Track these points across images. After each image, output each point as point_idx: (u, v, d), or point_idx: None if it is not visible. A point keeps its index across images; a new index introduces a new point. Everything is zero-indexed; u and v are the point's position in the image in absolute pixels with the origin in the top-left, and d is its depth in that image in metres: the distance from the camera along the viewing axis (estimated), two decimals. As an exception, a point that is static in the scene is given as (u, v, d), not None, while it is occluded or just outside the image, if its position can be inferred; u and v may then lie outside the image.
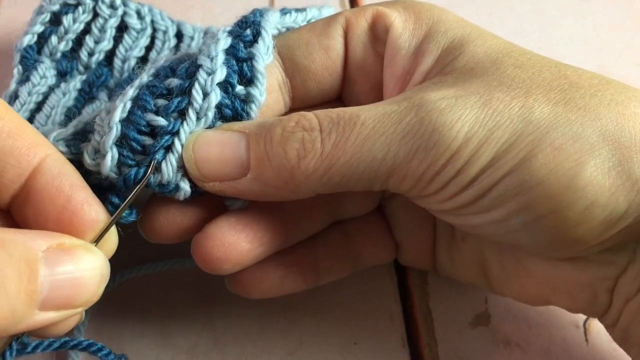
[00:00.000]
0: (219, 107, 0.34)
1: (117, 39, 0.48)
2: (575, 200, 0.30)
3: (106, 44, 0.48)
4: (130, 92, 0.34)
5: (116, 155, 0.33)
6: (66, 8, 0.48)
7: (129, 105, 0.34)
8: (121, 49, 0.48)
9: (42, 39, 0.47)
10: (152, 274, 0.43)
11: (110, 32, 0.48)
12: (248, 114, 0.35)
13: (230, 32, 0.36)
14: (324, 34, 0.37)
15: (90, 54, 0.47)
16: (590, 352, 0.41)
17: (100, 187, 0.34)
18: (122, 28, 0.48)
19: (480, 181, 0.31)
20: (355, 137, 0.31)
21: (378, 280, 0.44)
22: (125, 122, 0.33)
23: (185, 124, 0.33)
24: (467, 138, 0.30)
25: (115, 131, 0.33)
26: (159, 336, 0.41)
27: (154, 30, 0.49)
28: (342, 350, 0.41)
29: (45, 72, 0.46)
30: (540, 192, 0.30)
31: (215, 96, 0.34)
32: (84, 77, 0.47)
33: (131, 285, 0.42)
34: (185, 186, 0.34)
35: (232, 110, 0.34)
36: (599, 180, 0.30)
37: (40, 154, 0.31)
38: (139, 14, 0.49)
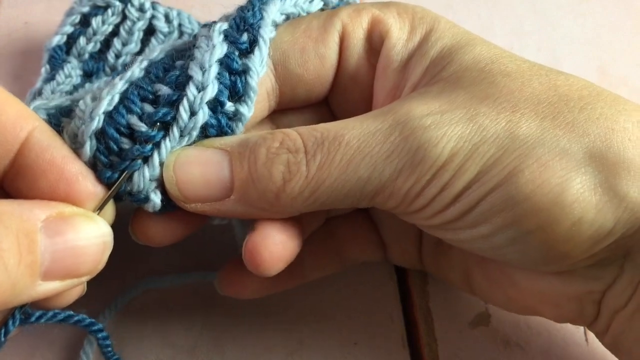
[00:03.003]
0: (204, 126, 0.33)
1: (145, 42, 0.49)
2: (562, 216, 0.30)
3: (133, 47, 0.48)
4: (120, 85, 0.33)
5: (94, 147, 0.32)
6: (95, 10, 0.48)
7: (116, 99, 0.33)
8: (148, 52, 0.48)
9: (71, 39, 0.48)
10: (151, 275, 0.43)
11: (138, 35, 0.48)
12: (233, 131, 0.34)
13: (226, 36, 0.34)
14: (320, 41, 0.36)
15: (117, 56, 0.48)
16: (590, 352, 0.41)
17: None
18: (150, 31, 0.49)
19: (466, 196, 0.31)
20: (340, 158, 0.31)
21: (378, 280, 0.44)
22: (107, 116, 0.32)
23: (167, 139, 0.32)
24: (453, 153, 0.30)
25: (97, 122, 0.32)
26: (159, 336, 0.41)
27: (181, 33, 0.50)
28: (342, 350, 0.41)
29: (71, 72, 0.47)
30: (526, 208, 0.30)
31: (203, 116, 0.32)
32: (110, 78, 0.47)
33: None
34: (156, 199, 0.32)
35: (218, 130, 0.33)
36: (585, 197, 0.30)
37: (27, 127, 0.30)
38: (167, 18, 0.49)
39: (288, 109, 0.38)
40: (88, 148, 0.32)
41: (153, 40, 0.48)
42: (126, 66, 0.42)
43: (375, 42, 0.36)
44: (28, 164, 0.30)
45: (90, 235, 0.30)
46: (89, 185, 0.31)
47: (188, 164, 0.32)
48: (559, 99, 0.32)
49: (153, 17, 0.49)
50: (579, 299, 0.34)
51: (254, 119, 0.36)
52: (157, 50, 0.36)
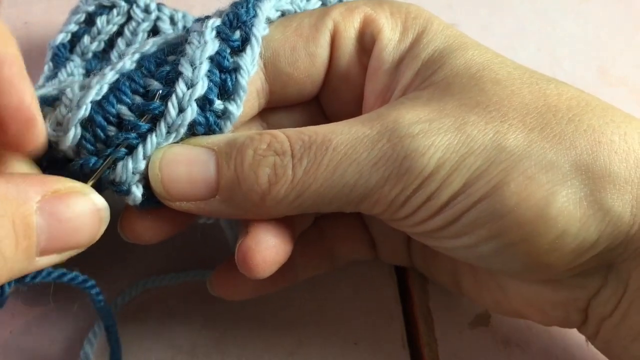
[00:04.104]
0: (192, 124, 0.33)
1: None
2: (546, 229, 0.30)
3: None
4: (110, 75, 0.33)
5: (79, 135, 0.32)
6: (101, 9, 0.48)
7: (105, 88, 0.32)
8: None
9: (75, 38, 0.48)
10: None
11: (142, 36, 0.48)
12: (221, 130, 0.33)
13: (218, 32, 0.34)
14: (311, 40, 0.35)
15: (121, 56, 0.48)
16: (590, 352, 0.41)
17: (54, 158, 0.33)
18: (155, 32, 0.49)
19: (451, 207, 0.31)
20: (326, 164, 0.31)
21: (378, 280, 0.44)
22: (95, 105, 0.32)
23: (154, 134, 0.32)
24: (439, 164, 0.30)
25: (84, 111, 0.32)
26: (159, 336, 0.41)
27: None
28: (342, 350, 0.41)
29: (74, 70, 0.47)
30: (510, 221, 0.30)
31: (191, 113, 0.32)
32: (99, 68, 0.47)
33: (131, 285, 0.42)
34: (137, 192, 0.32)
35: (205, 128, 0.33)
36: (570, 210, 0.30)
37: None
38: (172, 20, 0.49)
39: (278, 107, 0.38)
40: (71, 135, 0.32)
41: None
42: (119, 57, 0.42)
43: (366, 43, 0.36)
44: None
45: (86, 211, 0.30)
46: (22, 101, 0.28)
47: (174, 162, 0.32)
48: (547, 109, 0.31)
49: (158, 18, 0.49)
50: (564, 306, 0.34)
51: (243, 117, 0.35)
52: (149, 43, 0.35)
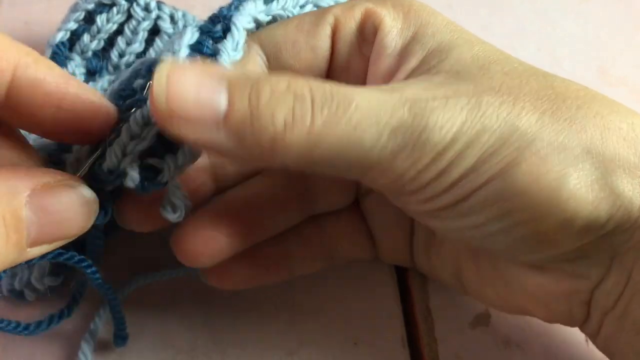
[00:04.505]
0: None
1: (149, 42, 0.48)
2: (556, 211, 0.30)
3: (137, 46, 0.48)
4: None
5: None
6: (101, 8, 0.48)
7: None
8: (152, 52, 0.48)
9: (75, 36, 0.48)
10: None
11: (143, 35, 0.48)
12: None
13: (200, 28, 0.34)
14: (312, 34, 0.36)
15: (121, 55, 0.48)
16: (590, 352, 0.41)
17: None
18: (155, 31, 0.49)
19: (462, 185, 0.31)
20: (347, 120, 0.29)
21: (378, 280, 0.44)
22: None
23: (137, 114, 0.32)
24: (454, 139, 0.30)
25: None
26: (159, 336, 0.41)
27: None
28: (342, 350, 0.41)
29: (75, 70, 0.47)
30: (521, 201, 0.30)
31: None
32: (112, 77, 0.47)
33: (131, 285, 0.42)
34: (133, 172, 0.32)
35: None
36: (582, 193, 0.30)
37: (7, 68, 0.29)
38: (172, 19, 0.49)
39: None
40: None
41: (157, 40, 0.48)
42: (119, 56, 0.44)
43: (367, 33, 0.36)
44: (24, 106, 0.30)
45: (75, 204, 0.30)
46: (94, 100, 0.31)
47: (184, 76, 0.29)
48: (556, 96, 0.32)
49: (158, 17, 0.49)
50: (567, 299, 0.34)
51: None
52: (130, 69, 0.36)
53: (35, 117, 0.30)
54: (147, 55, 0.48)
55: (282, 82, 0.29)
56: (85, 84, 0.32)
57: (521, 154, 0.30)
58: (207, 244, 0.35)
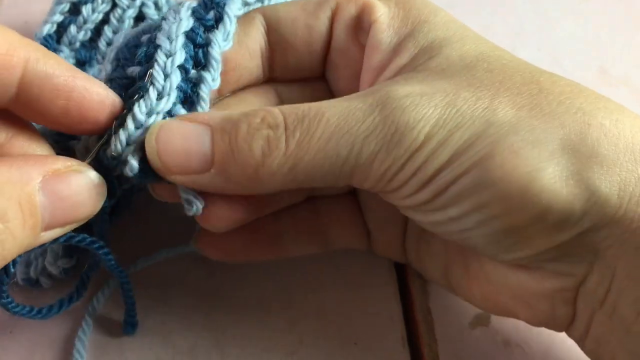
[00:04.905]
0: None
1: None
2: (529, 204, 0.30)
3: None
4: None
5: None
6: None
7: None
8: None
9: (62, 28, 0.48)
10: (151, 275, 0.43)
11: (129, 23, 0.48)
12: (198, 96, 0.34)
13: (193, 12, 0.36)
14: (312, 15, 0.38)
15: (109, 44, 0.48)
16: (590, 352, 0.41)
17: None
18: (140, 18, 0.49)
19: (438, 180, 0.31)
20: (319, 135, 0.31)
21: (378, 280, 0.44)
22: None
23: (142, 102, 0.33)
24: (428, 137, 0.31)
25: None
26: (159, 336, 0.41)
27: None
28: (342, 350, 0.41)
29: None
30: (494, 193, 0.30)
31: (176, 78, 0.33)
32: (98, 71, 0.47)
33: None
34: (133, 161, 0.33)
35: (184, 93, 0.34)
36: (556, 187, 0.30)
37: (18, 64, 0.30)
38: (156, 5, 0.50)
39: (284, 80, 0.40)
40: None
41: None
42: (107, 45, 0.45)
43: (364, 25, 0.37)
44: (33, 99, 0.31)
45: (84, 188, 0.31)
46: (95, 96, 0.32)
47: (170, 135, 0.32)
48: (539, 91, 0.32)
49: (143, 4, 0.49)
50: (551, 298, 0.34)
51: (251, 76, 0.38)
52: (122, 35, 0.37)
53: (45, 109, 0.31)
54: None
55: (257, 116, 0.32)
56: (91, 76, 0.32)
57: (495, 147, 0.30)
58: (209, 212, 0.35)
